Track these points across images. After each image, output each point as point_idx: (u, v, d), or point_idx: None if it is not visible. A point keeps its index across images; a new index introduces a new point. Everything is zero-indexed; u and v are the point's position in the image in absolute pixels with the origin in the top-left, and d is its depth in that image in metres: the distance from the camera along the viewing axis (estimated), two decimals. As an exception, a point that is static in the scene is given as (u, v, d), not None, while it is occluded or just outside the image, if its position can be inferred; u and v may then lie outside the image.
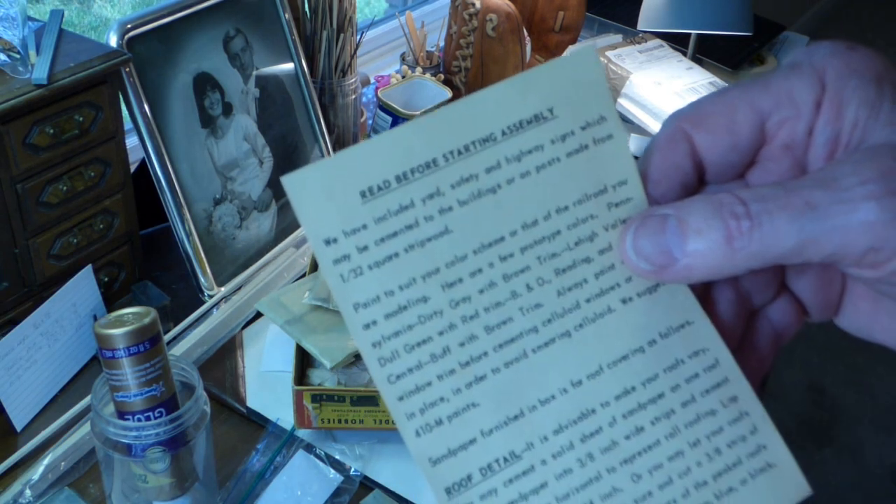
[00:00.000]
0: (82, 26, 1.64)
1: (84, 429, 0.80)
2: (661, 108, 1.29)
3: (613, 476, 0.29)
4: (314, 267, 0.95)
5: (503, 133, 0.28)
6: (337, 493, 0.79)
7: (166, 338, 0.83)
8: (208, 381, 0.87)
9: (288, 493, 0.78)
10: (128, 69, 0.89)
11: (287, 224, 1.09)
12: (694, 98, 1.36)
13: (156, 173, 0.93)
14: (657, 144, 0.30)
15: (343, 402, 0.79)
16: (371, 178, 0.27)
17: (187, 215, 0.96)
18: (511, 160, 0.29)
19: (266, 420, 0.85)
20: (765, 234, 0.26)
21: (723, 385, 0.30)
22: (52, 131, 0.82)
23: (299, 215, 0.27)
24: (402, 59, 1.39)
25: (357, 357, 0.82)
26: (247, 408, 0.87)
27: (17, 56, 0.81)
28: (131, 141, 0.95)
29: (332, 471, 0.80)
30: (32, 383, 0.82)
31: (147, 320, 0.62)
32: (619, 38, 1.47)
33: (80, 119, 0.84)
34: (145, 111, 0.92)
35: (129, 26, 0.90)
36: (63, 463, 0.79)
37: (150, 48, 0.93)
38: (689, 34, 1.49)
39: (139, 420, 0.63)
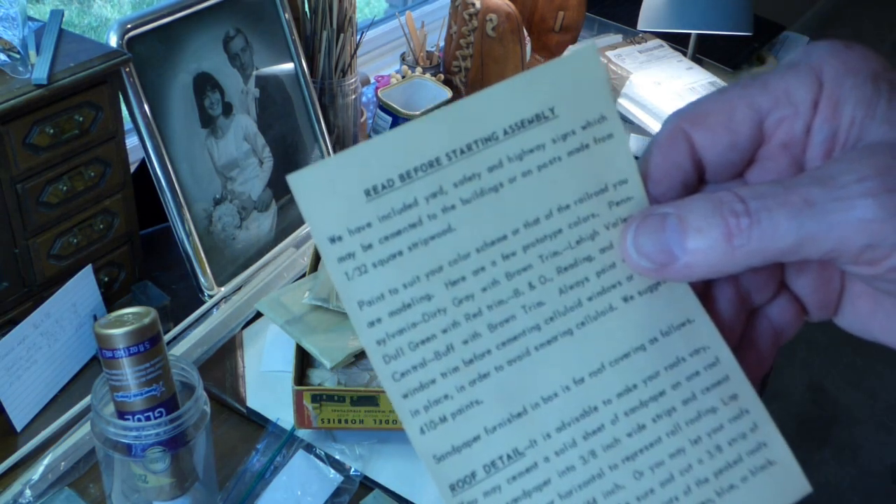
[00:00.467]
0: (82, 26, 1.64)
1: (84, 429, 0.80)
2: (661, 108, 1.29)
3: (616, 473, 0.29)
4: (314, 267, 0.95)
5: (505, 132, 0.29)
6: (337, 493, 0.79)
7: (166, 338, 0.83)
8: (208, 381, 0.87)
9: (288, 493, 0.78)
10: (128, 69, 0.89)
11: (287, 224, 1.09)
12: (694, 98, 1.36)
13: (156, 173, 0.93)
14: (657, 143, 0.30)
15: (343, 402, 0.79)
16: (375, 176, 0.27)
17: (187, 215, 0.96)
18: (513, 159, 0.29)
19: (266, 420, 0.85)
20: (764, 231, 0.26)
21: (723, 383, 0.30)
22: (52, 131, 0.82)
23: (304, 213, 0.27)
24: (402, 59, 1.39)
25: (357, 357, 0.82)
26: (247, 408, 0.87)
27: (17, 56, 0.81)
28: (131, 141, 0.95)
29: (332, 471, 0.80)
30: (32, 383, 0.82)
31: (147, 320, 0.62)
32: (619, 38, 1.47)
33: (80, 119, 0.84)
34: (145, 111, 0.92)
35: (129, 26, 0.90)
36: (63, 463, 0.79)
37: (150, 48, 0.93)
38: (689, 34, 1.49)
39: (139, 420, 0.63)
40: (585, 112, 0.30)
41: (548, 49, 1.51)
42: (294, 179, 0.27)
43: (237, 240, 1.02)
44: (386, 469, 0.81)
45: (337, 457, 0.81)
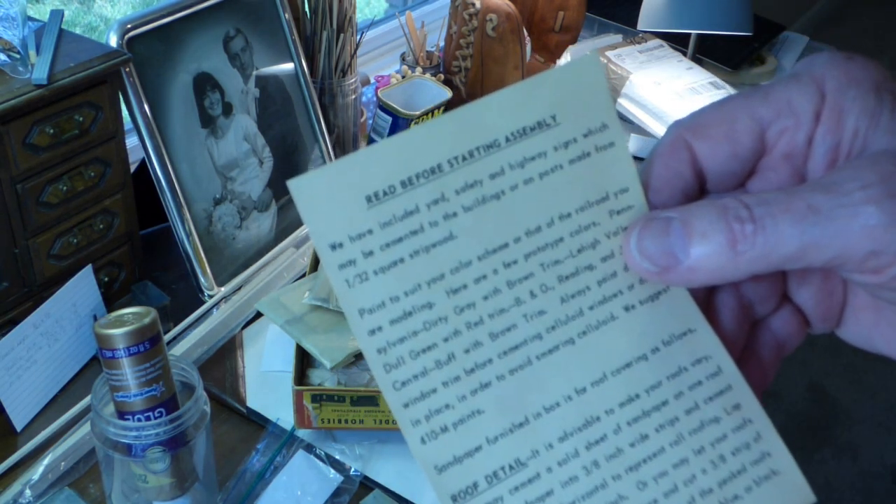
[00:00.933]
0: (82, 26, 1.64)
1: (84, 429, 0.80)
2: (661, 108, 1.29)
3: (619, 483, 0.29)
4: (314, 267, 0.95)
5: (507, 139, 0.29)
6: (337, 493, 0.79)
7: (166, 338, 0.83)
8: (208, 381, 0.87)
9: (288, 493, 0.78)
10: (128, 69, 0.89)
11: (287, 224, 1.09)
12: (694, 98, 1.35)
13: (156, 173, 0.93)
14: (658, 153, 0.30)
15: (343, 402, 0.79)
16: (376, 183, 0.27)
17: (187, 215, 0.96)
18: (515, 166, 0.29)
19: (266, 420, 0.85)
20: (768, 237, 0.26)
21: (726, 392, 0.30)
22: (52, 131, 0.82)
23: (305, 220, 0.27)
24: (402, 59, 1.39)
25: (357, 357, 0.82)
26: (247, 408, 0.87)
27: (17, 56, 0.81)
28: (131, 141, 0.95)
29: (332, 471, 0.80)
30: (32, 383, 0.82)
31: (147, 320, 0.62)
32: (619, 38, 1.47)
33: (80, 119, 0.84)
34: (145, 111, 0.92)
35: (129, 26, 0.90)
36: (63, 463, 0.79)
37: (150, 48, 0.93)
38: (689, 34, 1.49)
39: (139, 420, 0.63)
40: (587, 120, 0.29)
41: (548, 49, 1.51)
42: (295, 185, 0.26)
43: (237, 240, 1.02)
44: (386, 469, 0.81)
45: (337, 457, 0.81)
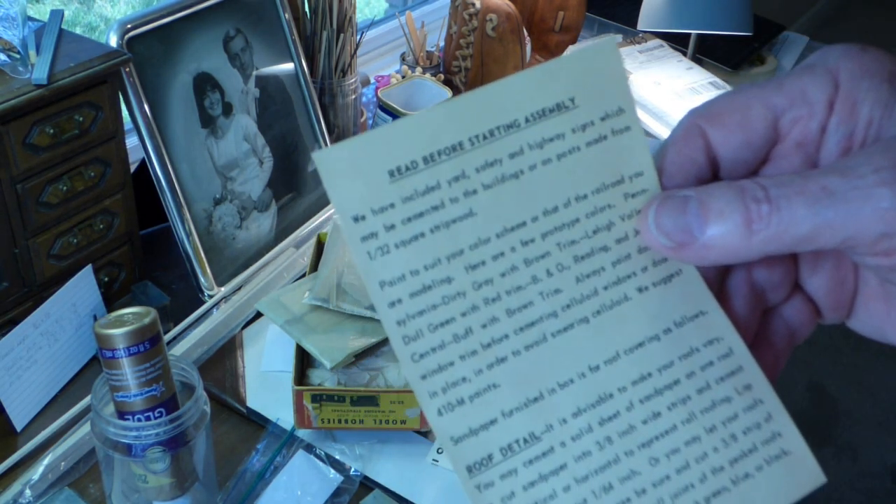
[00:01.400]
0: (82, 26, 1.64)
1: (84, 429, 0.80)
2: (661, 108, 1.29)
3: (631, 459, 0.29)
4: (314, 267, 0.95)
5: (527, 120, 0.29)
6: (337, 493, 0.79)
7: (166, 338, 0.83)
8: (208, 381, 0.87)
9: (288, 493, 0.78)
10: (128, 69, 0.89)
11: (287, 224, 1.09)
12: (694, 98, 1.35)
13: (156, 173, 0.93)
14: (673, 139, 0.30)
15: (343, 402, 0.79)
16: (399, 158, 0.28)
17: (187, 215, 0.96)
18: (534, 147, 0.29)
19: (266, 420, 0.85)
20: (783, 217, 0.27)
21: (737, 373, 0.30)
22: (52, 131, 0.82)
23: (329, 191, 0.27)
24: (402, 59, 1.39)
25: (357, 357, 0.82)
26: (247, 408, 0.87)
27: (17, 56, 0.81)
28: (131, 141, 0.95)
29: (332, 471, 0.80)
30: (32, 383, 0.82)
31: (147, 320, 0.62)
32: (619, 38, 1.47)
33: (80, 119, 0.84)
34: (145, 111, 0.92)
35: (129, 26, 0.90)
36: (63, 463, 0.79)
37: (150, 48, 0.93)
38: (689, 34, 1.49)
39: (139, 420, 0.63)
40: (604, 104, 0.30)
41: (548, 49, 1.50)
42: (320, 157, 0.27)
43: (237, 240, 1.02)
44: (386, 469, 0.81)
45: (337, 457, 0.81)
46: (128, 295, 0.97)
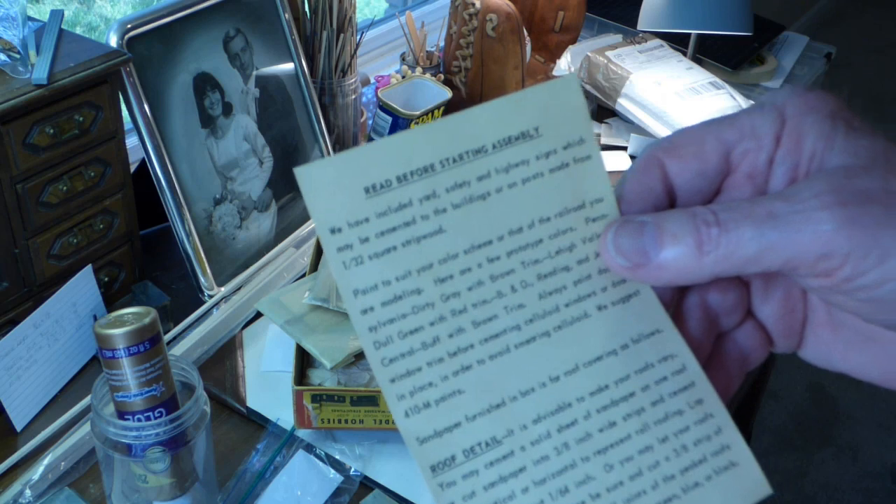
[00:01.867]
0: (82, 26, 1.64)
1: (84, 429, 0.80)
2: (661, 108, 1.29)
3: (587, 465, 0.30)
4: (314, 267, 0.95)
5: (493, 146, 0.31)
6: (337, 493, 0.79)
7: (166, 338, 0.83)
8: (208, 381, 0.87)
9: (288, 493, 0.78)
10: (128, 69, 0.89)
11: (287, 224, 1.09)
12: (694, 98, 1.35)
13: (156, 173, 0.93)
14: (632, 170, 0.32)
15: (343, 402, 0.79)
16: (375, 176, 0.30)
17: (187, 215, 0.96)
18: (500, 171, 0.31)
19: (266, 420, 0.85)
20: (731, 239, 0.29)
21: (689, 388, 0.32)
22: (52, 131, 0.82)
23: (309, 204, 0.29)
24: (402, 59, 1.38)
25: (357, 357, 0.82)
26: (247, 408, 0.87)
27: (17, 56, 0.81)
28: (131, 141, 0.95)
29: (332, 471, 0.80)
30: (32, 383, 0.82)
31: (147, 320, 0.62)
32: (619, 38, 1.47)
33: (80, 119, 0.84)
34: (145, 111, 0.92)
35: (129, 26, 0.90)
36: (63, 463, 0.79)
37: (150, 48, 0.93)
38: (689, 34, 1.49)
39: (139, 420, 0.63)
40: (566, 134, 0.32)
41: (548, 49, 1.51)
42: (301, 173, 0.29)
43: (237, 240, 1.02)
44: (386, 469, 0.81)
45: (337, 457, 0.81)
46: (128, 295, 0.97)
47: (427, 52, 1.37)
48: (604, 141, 1.37)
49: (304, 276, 0.96)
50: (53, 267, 0.87)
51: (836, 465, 2.02)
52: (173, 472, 0.66)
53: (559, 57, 1.43)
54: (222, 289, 0.99)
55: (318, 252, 0.96)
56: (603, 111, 1.41)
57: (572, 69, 1.39)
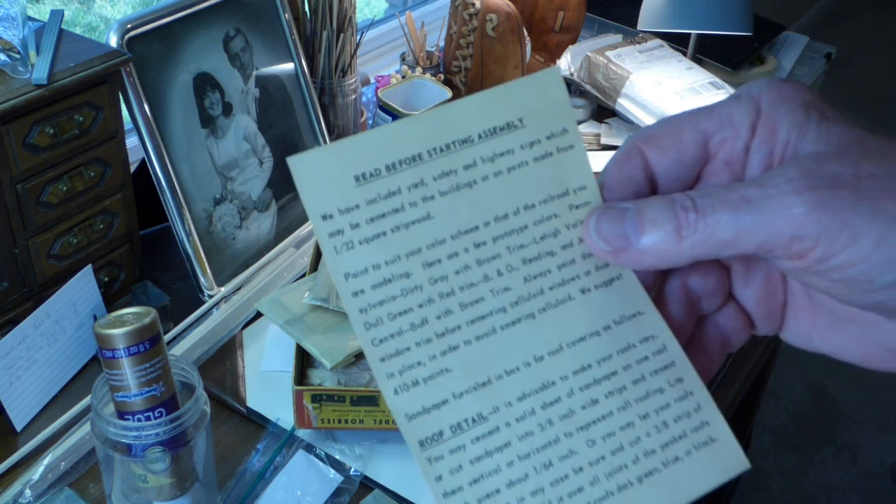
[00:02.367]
0: (82, 26, 1.64)
1: (84, 429, 0.80)
2: (661, 108, 1.29)
3: (570, 440, 0.32)
4: (314, 267, 0.95)
5: (479, 136, 0.32)
6: (337, 493, 0.79)
7: (166, 338, 0.83)
8: (208, 381, 0.87)
9: (288, 493, 0.78)
10: (128, 69, 0.89)
11: (287, 224, 1.09)
12: (694, 98, 1.35)
13: (156, 173, 0.93)
14: (615, 160, 0.34)
15: (343, 402, 0.79)
16: (365, 164, 0.31)
17: (187, 215, 0.96)
18: (486, 160, 0.32)
19: (266, 420, 0.85)
20: (708, 224, 0.30)
21: (670, 367, 0.33)
22: (52, 131, 0.82)
23: (301, 192, 0.30)
24: (402, 59, 1.38)
25: (357, 357, 0.82)
26: (247, 408, 0.87)
27: (17, 56, 0.81)
28: (131, 141, 0.95)
29: (332, 471, 0.80)
30: (32, 383, 0.82)
31: (147, 320, 0.62)
32: (619, 38, 1.47)
33: (80, 119, 0.84)
34: (145, 111, 0.92)
35: (129, 26, 0.90)
36: (63, 463, 0.79)
37: (150, 48, 0.93)
38: (689, 34, 1.49)
39: (139, 420, 0.63)
40: (550, 125, 0.33)
41: (548, 49, 1.50)
42: (294, 162, 0.30)
43: (237, 240, 1.02)
44: (386, 469, 0.81)
45: (337, 457, 0.81)
46: (128, 295, 0.97)
47: (427, 52, 1.37)
48: (604, 141, 1.37)
49: (304, 276, 0.96)
50: (53, 267, 0.87)
51: (836, 465, 2.02)
52: (173, 472, 0.66)
53: (559, 57, 1.43)
54: (222, 289, 0.99)
55: (318, 252, 0.96)
56: (603, 111, 1.41)
57: (572, 69, 1.39)
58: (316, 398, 0.79)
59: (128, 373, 0.61)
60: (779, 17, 1.72)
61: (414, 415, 0.31)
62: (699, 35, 1.49)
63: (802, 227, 0.29)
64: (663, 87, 1.32)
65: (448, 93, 1.24)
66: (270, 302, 0.88)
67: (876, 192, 0.28)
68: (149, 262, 1.00)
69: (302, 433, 0.83)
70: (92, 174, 0.88)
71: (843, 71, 3.28)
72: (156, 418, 0.63)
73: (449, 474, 0.30)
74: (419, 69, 1.34)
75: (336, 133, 1.20)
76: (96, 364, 0.88)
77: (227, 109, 1.01)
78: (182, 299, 0.98)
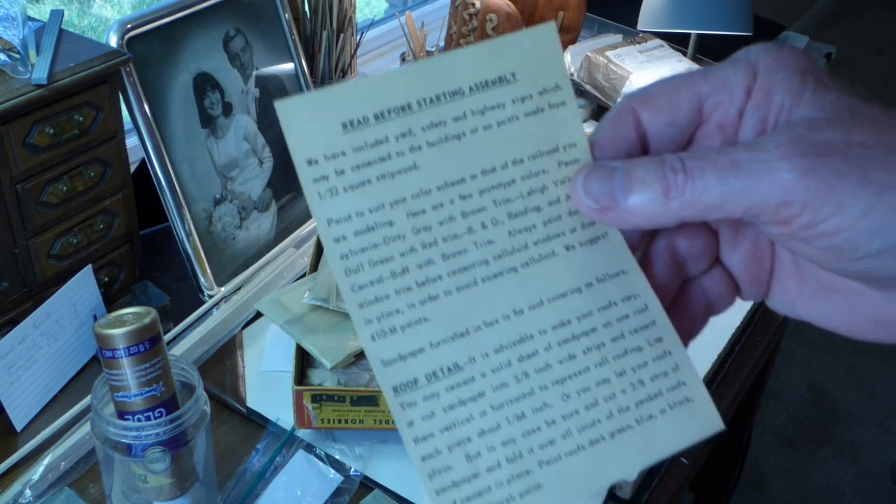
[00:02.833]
0: (82, 26, 1.64)
1: (84, 429, 0.80)
2: (661, 108, 1.29)
3: (545, 393, 0.32)
4: (314, 267, 0.95)
5: (470, 89, 0.32)
6: (337, 493, 0.79)
7: (166, 338, 0.83)
8: (208, 381, 0.87)
9: (288, 493, 0.78)
10: (128, 69, 0.89)
11: (287, 224, 1.09)
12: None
13: (156, 173, 0.93)
14: (608, 118, 0.33)
15: (343, 402, 0.79)
16: (353, 112, 0.31)
17: (187, 215, 0.96)
18: (476, 113, 0.32)
19: (266, 420, 0.85)
20: (696, 186, 0.30)
21: (650, 327, 0.33)
22: (52, 131, 0.82)
23: (287, 137, 0.30)
24: (402, 59, 1.39)
25: (357, 357, 0.82)
26: (247, 408, 0.87)
27: (17, 56, 0.81)
28: (131, 141, 0.95)
29: (332, 471, 0.80)
30: (32, 383, 0.82)
31: (147, 320, 0.62)
32: (619, 38, 1.47)
33: (80, 119, 0.84)
34: (145, 111, 0.92)
35: (129, 26, 0.90)
36: (63, 463, 0.79)
37: (150, 48, 0.93)
38: (689, 34, 1.49)
39: (139, 420, 0.63)
40: (542, 80, 0.33)
41: (548, 49, 1.50)
42: (281, 106, 0.30)
43: (237, 240, 1.02)
44: (386, 469, 0.81)
45: (337, 457, 0.81)
46: (128, 295, 0.97)
47: (427, 52, 1.37)
48: (604, 141, 1.37)
49: (304, 276, 0.96)
50: (53, 267, 0.87)
51: (836, 465, 2.02)
52: (173, 472, 0.66)
53: (559, 57, 1.43)
54: (222, 289, 0.99)
55: (319, 252, 0.96)
56: (603, 111, 1.42)
57: (572, 69, 1.39)
58: (316, 398, 0.79)
59: (128, 373, 0.61)
60: (779, 17, 1.72)
61: (390, 361, 0.30)
62: (699, 35, 1.49)
63: (790, 192, 0.29)
64: (663, 87, 1.32)
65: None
66: (270, 302, 0.88)
67: (866, 160, 0.28)
68: (149, 262, 1.00)
69: (302, 433, 0.83)
70: (92, 174, 0.88)
71: (843, 71, 3.28)
72: (156, 418, 0.63)
73: (421, 420, 0.30)
74: (419, 69, 1.34)
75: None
76: (96, 364, 0.88)
77: (228, 109, 1.01)
78: (182, 299, 0.98)
